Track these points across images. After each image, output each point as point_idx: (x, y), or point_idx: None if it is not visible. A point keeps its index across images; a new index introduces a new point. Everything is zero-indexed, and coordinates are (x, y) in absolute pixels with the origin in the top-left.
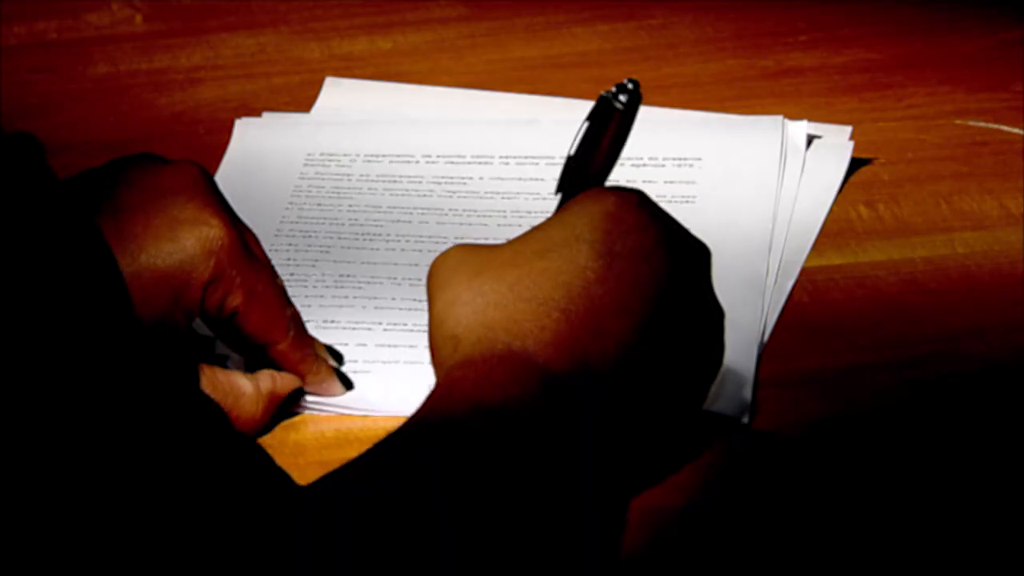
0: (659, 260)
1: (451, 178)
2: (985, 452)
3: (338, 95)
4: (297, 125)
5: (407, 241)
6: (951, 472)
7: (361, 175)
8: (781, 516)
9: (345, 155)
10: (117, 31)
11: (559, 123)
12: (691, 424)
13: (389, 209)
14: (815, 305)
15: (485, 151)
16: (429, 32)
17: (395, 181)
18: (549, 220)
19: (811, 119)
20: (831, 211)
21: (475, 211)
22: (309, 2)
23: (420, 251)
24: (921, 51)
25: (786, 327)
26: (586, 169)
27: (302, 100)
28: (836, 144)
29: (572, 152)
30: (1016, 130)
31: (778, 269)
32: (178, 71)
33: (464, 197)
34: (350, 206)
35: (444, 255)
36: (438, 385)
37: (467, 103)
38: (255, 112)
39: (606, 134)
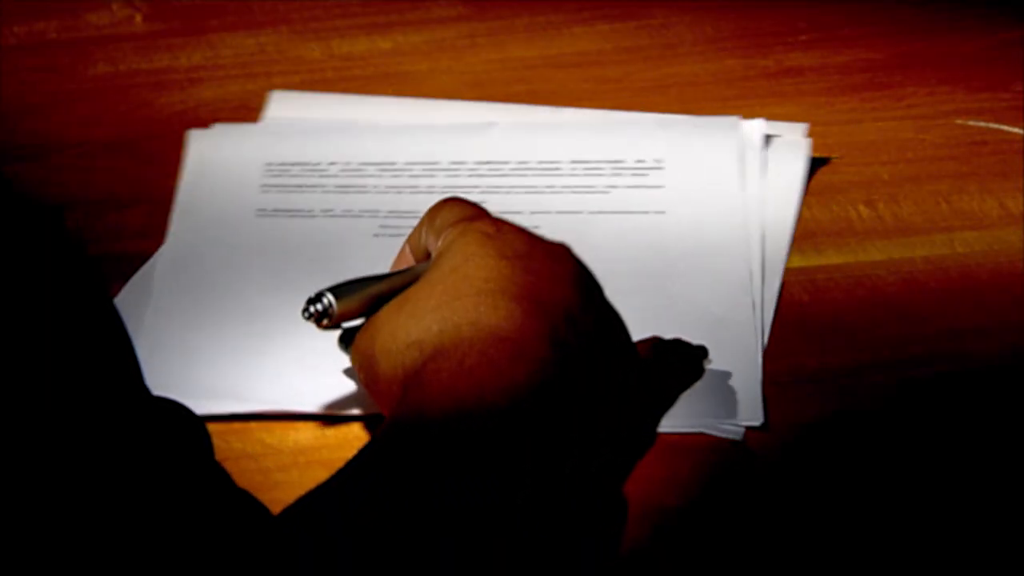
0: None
1: (411, 186)
2: (985, 452)
3: (285, 107)
4: (252, 135)
5: (369, 248)
6: (951, 472)
7: (322, 184)
8: (781, 516)
9: (306, 164)
10: (117, 31)
11: (515, 127)
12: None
13: (347, 214)
14: (815, 305)
15: (441, 157)
16: (429, 32)
17: (356, 191)
18: (433, 262)
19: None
20: (831, 211)
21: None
22: (309, 2)
23: (383, 260)
24: (921, 51)
25: (786, 327)
26: None
27: None
28: (793, 142)
29: None
30: (1016, 130)
31: (762, 269)
32: (178, 71)
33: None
34: (318, 211)
35: (361, 333)
36: (408, 389)
37: (417, 112)
38: (255, 112)
39: None
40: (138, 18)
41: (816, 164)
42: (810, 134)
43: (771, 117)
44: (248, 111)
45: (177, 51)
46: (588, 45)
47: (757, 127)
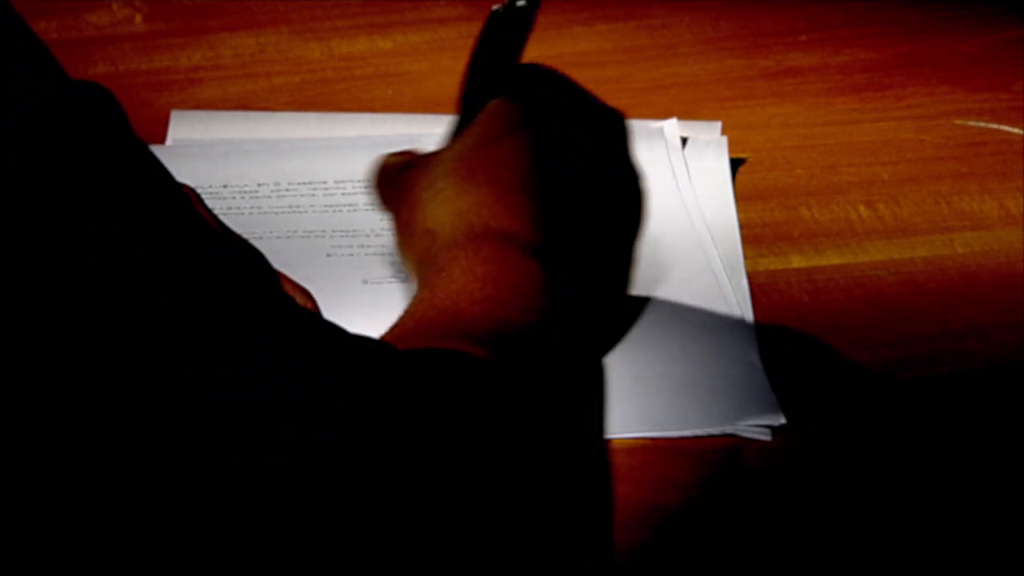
0: (569, 136)
1: (349, 205)
2: (985, 452)
3: (187, 128)
4: (173, 159)
5: (325, 268)
6: (951, 472)
7: (258, 206)
8: (781, 516)
9: (234, 186)
10: (117, 31)
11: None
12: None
13: (293, 235)
14: (815, 305)
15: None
16: (429, 32)
17: (295, 211)
18: (472, 127)
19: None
20: (831, 211)
21: (350, 231)
22: (309, 2)
23: (341, 280)
24: (921, 51)
25: (786, 327)
26: (487, 81)
27: (302, 100)
28: (711, 140)
29: (468, 72)
30: (1016, 130)
31: (726, 272)
32: (178, 71)
33: (367, 219)
34: (266, 233)
35: (386, 167)
36: (431, 273)
37: (325, 126)
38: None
39: (510, 40)
40: (138, 18)
41: (735, 164)
42: (809, 134)
43: (772, 117)
44: (246, 112)
45: (177, 51)
46: (588, 45)
47: (675, 128)
